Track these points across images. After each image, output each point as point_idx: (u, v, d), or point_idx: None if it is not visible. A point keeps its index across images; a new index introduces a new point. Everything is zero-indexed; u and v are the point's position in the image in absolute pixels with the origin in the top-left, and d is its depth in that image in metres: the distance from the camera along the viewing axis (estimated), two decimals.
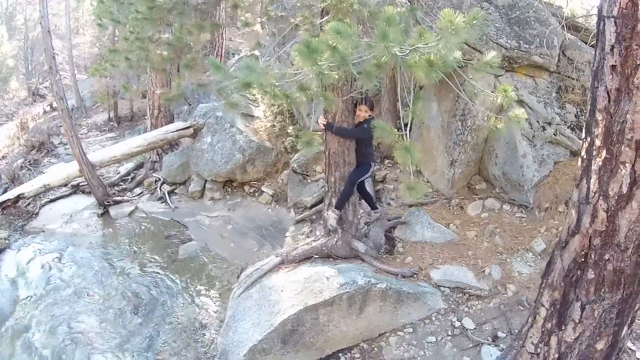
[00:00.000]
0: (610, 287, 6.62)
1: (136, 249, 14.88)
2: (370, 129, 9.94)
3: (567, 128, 12.81)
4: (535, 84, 13.15)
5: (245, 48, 20.05)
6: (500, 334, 9.88)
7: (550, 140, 12.66)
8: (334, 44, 6.65)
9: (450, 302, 10.70)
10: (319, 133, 10.08)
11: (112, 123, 24.92)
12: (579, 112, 13.17)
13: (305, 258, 11.11)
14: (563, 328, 7.17)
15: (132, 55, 11.39)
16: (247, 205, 16.21)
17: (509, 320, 10.09)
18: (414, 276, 10.91)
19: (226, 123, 17.03)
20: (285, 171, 16.28)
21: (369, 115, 10.42)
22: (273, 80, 7.25)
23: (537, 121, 12.75)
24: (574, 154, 12.46)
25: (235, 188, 16.98)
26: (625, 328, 7.02)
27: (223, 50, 22.56)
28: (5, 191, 18.13)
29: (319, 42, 6.64)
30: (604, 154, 6.17)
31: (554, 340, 7.34)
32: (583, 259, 6.72)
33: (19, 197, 17.05)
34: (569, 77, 13.35)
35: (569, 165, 12.33)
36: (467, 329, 10.12)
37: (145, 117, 20.74)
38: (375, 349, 10.22)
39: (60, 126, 22.25)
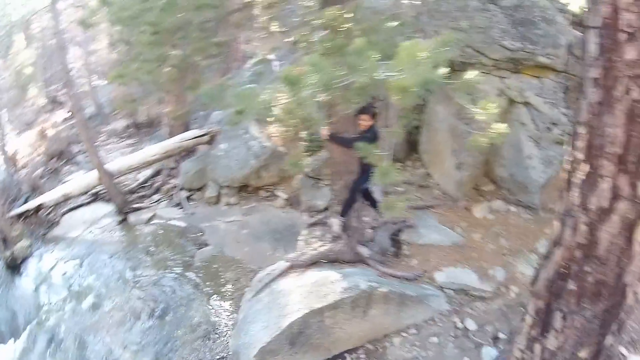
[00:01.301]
0: (591, 299, 6.63)
1: (154, 255, 15.03)
2: (372, 138, 10.01)
3: None
4: (542, 84, 13.02)
5: (262, 51, 20.03)
6: (501, 335, 9.95)
7: (557, 140, 12.59)
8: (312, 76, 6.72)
9: (454, 303, 10.78)
10: (305, 154, 10.09)
11: (131, 129, 24.97)
12: None
13: (313, 263, 11.19)
14: (546, 336, 7.22)
15: (140, 75, 11.53)
16: (262, 209, 16.21)
17: (510, 322, 10.15)
18: (418, 279, 11.02)
19: (240, 129, 16.98)
20: (299, 175, 16.27)
21: (372, 124, 10.39)
22: (263, 106, 7.28)
23: (543, 122, 12.69)
24: None
25: (251, 193, 16.97)
26: (610, 337, 7.01)
27: (240, 55, 22.58)
28: (26, 201, 18.37)
29: (296, 75, 6.71)
30: (586, 167, 6.17)
31: (537, 348, 7.39)
32: (565, 270, 6.75)
33: (39, 207, 17.34)
34: (576, 75, 13.12)
35: None
36: (469, 330, 10.21)
37: (164, 123, 20.83)
38: (379, 349, 10.33)
39: (80, 134, 22.34)
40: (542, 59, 12.76)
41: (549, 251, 7.06)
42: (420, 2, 12.49)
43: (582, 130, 6.15)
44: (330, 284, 10.29)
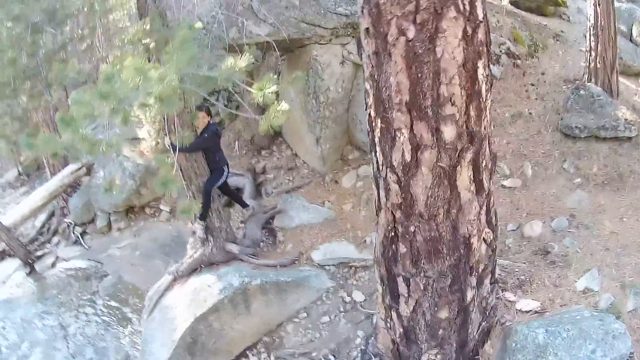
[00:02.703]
0: (428, 258, 5.78)
1: (63, 298, 14.18)
2: (211, 136, 9.49)
3: None
4: None
5: None
6: None
7: None
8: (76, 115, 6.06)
9: (338, 278, 10.08)
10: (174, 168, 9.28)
11: (22, 177, 23.71)
12: None
13: (193, 270, 10.44)
14: (398, 303, 6.36)
15: None
16: (150, 227, 15.38)
17: None
18: (295, 262, 10.31)
19: (112, 153, 15.98)
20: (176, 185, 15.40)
21: (209, 122, 9.68)
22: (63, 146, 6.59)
23: None
24: None
25: (137, 213, 16.08)
26: (471, 291, 6.19)
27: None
28: None
29: (70, 115, 6.04)
30: (379, 123, 5.31)
31: (394, 315, 6.55)
32: (393, 233, 5.88)
33: None
34: None
35: None
36: (357, 302, 9.55)
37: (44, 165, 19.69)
38: (276, 339, 9.72)
39: None
40: None
41: (376, 215, 6.17)
42: None
43: (367, 85, 5.28)
44: (208, 288, 9.70)
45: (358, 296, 9.61)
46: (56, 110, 12.74)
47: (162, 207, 15.49)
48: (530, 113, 11.64)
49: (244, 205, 11.51)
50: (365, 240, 10.45)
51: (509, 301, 7.66)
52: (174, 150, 9.26)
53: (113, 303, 13.13)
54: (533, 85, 12.46)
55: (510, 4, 15.39)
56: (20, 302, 14.49)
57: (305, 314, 9.74)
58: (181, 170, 9.79)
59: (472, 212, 5.61)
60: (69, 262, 15.60)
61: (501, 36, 13.31)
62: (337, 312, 9.53)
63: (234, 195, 11.46)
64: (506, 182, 10.30)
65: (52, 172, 18.19)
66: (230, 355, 9.72)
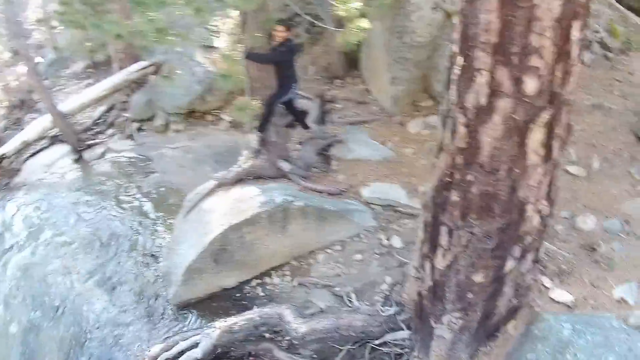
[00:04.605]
0: (479, 214, 5.45)
1: (105, 187, 14.51)
2: (287, 51, 9.33)
3: None
4: None
5: None
6: None
7: None
8: None
9: (381, 220, 9.87)
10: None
11: (90, 70, 23.69)
12: None
13: (239, 180, 10.35)
14: (435, 253, 6.07)
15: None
16: (208, 133, 15.48)
17: None
18: (342, 193, 10.17)
19: (185, 57, 16.01)
20: (242, 97, 15.38)
21: (287, 37, 9.39)
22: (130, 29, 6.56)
23: None
24: None
25: (198, 118, 16.21)
26: (511, 262, 5.85)
27: None
28: None
29: None
30: (461, 60, 4.96)
31: (428, 266, 6.26)
32: (449, 179, 5.57)
33: (1, 158, 16.28)
34: None
35: None
36: (394, 248, 9.30)
37: (114, 60, 19.62)
38: (304, 265, 9.63)
39: (45, 79, 21.04)
40: None
41: (435, 157, 5.87)
42: None
43: (456, 19, 4.90)
44: (249, 200, 9.62)
45: (396, 242, 9.37)
46: None
47: (223, 116, 15.61)
48: (609, 108, 11.14)
49: (306, 127, 11.36)
50: (419, 189, 10.02)
51: (544, 286, 7.35)
52: (247, 56, 9.16)
53: (153, 199, 13.33)
54: (619, 81, 11.94)
55: None
56: (62, 187, 14.89)
57: (339, 247, 9.61)
58: (250, 79, 9.71)
59: (535, 177, 5.25)
60: (118, 154, 16.00)
61: (597, 25, 12.81)
62: (371, 252, 9.35)
63: (298, 115, 11.18)
64: (571, 169, 9.83)
65: (121, 67, 18.15)
66: (255, 271, 9.67)
